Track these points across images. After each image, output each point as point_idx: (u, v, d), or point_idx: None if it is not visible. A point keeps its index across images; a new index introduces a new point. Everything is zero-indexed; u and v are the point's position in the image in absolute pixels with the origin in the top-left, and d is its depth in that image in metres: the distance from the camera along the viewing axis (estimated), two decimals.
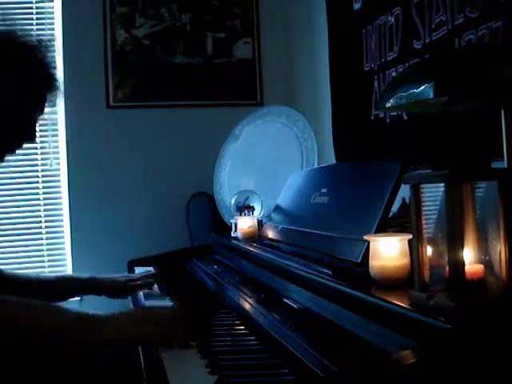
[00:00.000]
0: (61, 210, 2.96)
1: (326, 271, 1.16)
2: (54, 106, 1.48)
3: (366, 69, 2.08)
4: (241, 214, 1.97)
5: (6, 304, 1.12)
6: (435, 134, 1.52)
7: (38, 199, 2.95)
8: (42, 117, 1.45)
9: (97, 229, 2.87)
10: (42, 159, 2.94)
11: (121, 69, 2.93)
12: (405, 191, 1.06)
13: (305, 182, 1.76)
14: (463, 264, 0.80)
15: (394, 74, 1.88)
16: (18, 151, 1.43)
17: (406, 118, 1.81)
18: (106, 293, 1.70)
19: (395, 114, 1.85)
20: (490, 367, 0.73)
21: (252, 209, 1.99)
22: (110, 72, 2.91)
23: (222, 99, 3.00)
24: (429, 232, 0.89)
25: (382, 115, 1.96)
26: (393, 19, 1.88)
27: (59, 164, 2.94)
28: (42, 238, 2.95)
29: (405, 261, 1.00)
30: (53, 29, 2.91)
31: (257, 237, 1.87)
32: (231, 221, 2.04)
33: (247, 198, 2.04)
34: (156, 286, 1.73)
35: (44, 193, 2.96)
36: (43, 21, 2.91)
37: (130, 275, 1.80)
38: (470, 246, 0.83)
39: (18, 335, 1.10)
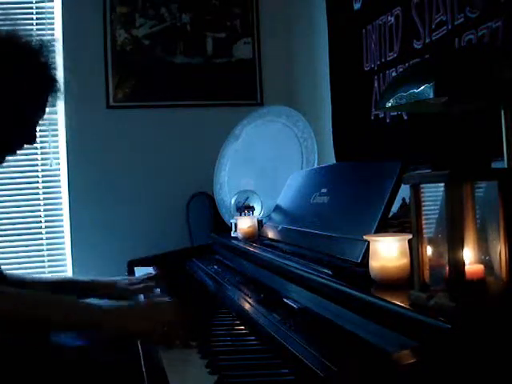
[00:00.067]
0: (61, 210, 2.96)
1: (326, 271, 1.16)
2: (53, 106, 1.48)
3: (366, 69, 2.08)
4: (241, 214, 1.97)
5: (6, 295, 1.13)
6: (435, 134, 1.52)
7: (38, 199, 2.95)
8: (42, 119, 1.45)
9: (97, 229, 2.87)
10: (42, 159, 2.94)
11: (121, 69, 2.93)
12: (405, 191, 1.06)
13: (305, 182, 1.76)
14: (463, 264, 0.80)
15: (394, 73, 1.88)
16: (18, 152, 1.43)
17: (405, 117, 1.81)
18: (107, 295, 1.70)
19: (395, 113, 1.85)
20: (490, 367, 0.73)
21: (252, 209, 1.99)
22: (110, 72, 2.91)
23: (222, 99, 3.00)
24: (429, 232, 0.89)
25: (382, 115, 1.96)
26: (393, 19, 1.88)
27: (59, 164, 2.94)
28: (41, 238, 2.95)
29: (405, 261, 1.00)
30: (53, 29, 2.91)
31: (257, 237, 1.87)
32: (231, 221, 2.04)
33: (247, 197, 2.04)
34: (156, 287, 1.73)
35: (44, 193, 2.96)
36: (43, 21, 2.91)
37: (131, 278, 1.80)
38: (470, 245, 0.83)
39: (18, 323, 1.12)
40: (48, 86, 1.41)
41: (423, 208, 0.87)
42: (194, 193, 2.88)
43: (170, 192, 2.91)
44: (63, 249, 2.95)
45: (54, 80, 1.42)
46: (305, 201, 1.63)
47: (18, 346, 1.29)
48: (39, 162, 2.94)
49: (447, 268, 0.81)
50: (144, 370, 1.06)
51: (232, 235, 2.00)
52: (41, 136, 2.84)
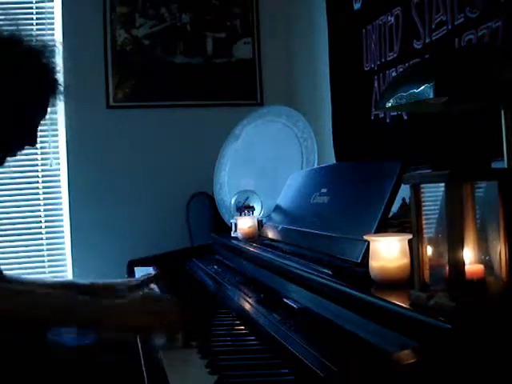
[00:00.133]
0: (61, 210, 2.96)
1: (326, 271, 1.16)
2: (53, 106, 1.49)
3: (366, 69, 2.08)
4: (241, 214, 1.97)
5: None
6: (435, 134, 1.52)
7: (38, 199, 2.95)
8: (44, 120, 1.45)
9: (97, 229, 2.87)
10: (42, 159, 2.94)
11: (121, 69, 2.93)
12: (405, 191, 1.06)
13: (305, 182, 1.76)
14: (463, 264, 0.80)
15: (394, 73, 1.88)
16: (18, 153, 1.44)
17: (405, 117, 1.81)
18: (107, 297, 1.70)
19: (395, 113, 1.85)
20: (490, 367, 0.73)
21: (252, 209, 1.99)
22: (110, 72, 2.91)
23: (222, 99, 3.00)
24: (429, 232, 0.89)
25: (382, 115, 1.96)
26: (393, 19, 1.88)
27: (59, 164, 2.95)
28: (41, 238, 2.95)
29: (405, 261, 1.00)
30: (53, 29, 2.91)
31: (257, 237, 1.87)
32: (231, 221, 2.04)
33: (247, 197, 2.04)
34: (156, 286, 1.73)
35: (44, 193, 2.96)
36: (43, 21, 2.91)
37: (131, 280, 1.80)
38: (470, 245, 0.83)
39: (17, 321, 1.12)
40: (49, 87, 1.42)
41: (423, 208, 0.87)
42: (194, 193, 2.88)
43: (170, 192, 2.91)
44: (63, 249, 2.95)
45: (55, 82, 1.43)
46: (305, 201, 1.63)
47: (17, 346, 1.29)
48: (39, 162, 2.94)
49: (447, 268, 0.81)
50: (144, 369, 1.06)
51: (232, 235, 2.00)
52: (41, 136, 2.84)
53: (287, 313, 1.16)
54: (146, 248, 2.23)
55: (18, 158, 1.46)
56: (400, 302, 0.88)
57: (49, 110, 1.46)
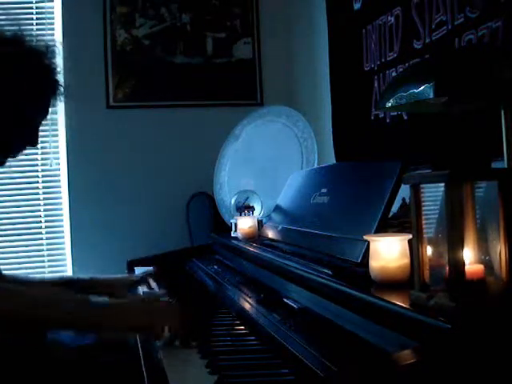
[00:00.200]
0: (61, 210, 2.96)
1: (326, 271, 1.16)
2: (53, 106, 1.49)
3: (366, 69, 2.08)
4: (241, 214, 1.97)
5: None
6: (435, 134, 1.52)
7: (38, 199, 2.95)
8: (45, 120, 1.46)
9: (97, 229, 2.87)
10: (42, 159, 2.94)
11: (121, 69, 2.93)
12: (405, 191, 1.06)
13: (305, 182, 1.76)
14: (463, 264, 0.80)
15: (394, 73, 1.88)
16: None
17: (405, 117, 1.81)
18: (107, 292, 1.70)
19: (395, 113, 1.85)
20: (490, 367, 0.73)
21: (252, 209, 1.99)
22: (110, 72, 2.91)
23: (222, 99, 3.00)
24: (429, 232, 0.89)
25: (382, 115, 1.96)
26: (393, 19, 1.88)
27: (59, 164, 2.94)
28: (41, 238, 2.95)
29: (405, 261, 1.00)
30: (53, 29, 2.91)
31: (257, 237, 1.87)
32: (231, 221, 2.04)
33: (247, 198, 2.04)
34: (155, 285, 1.73)
35: (44, 193, 2.96)
36: (43, 21, 2.91)
37: (130, 275, 1.81)
38: (470, 246, 0.83)
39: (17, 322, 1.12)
40: (50, 88, 1.42)
41: (423, 208, 0.87)
42: (194, 193, 2.88)
43: (170, 192, 2.91)
44: (63, 249, 2.95)
45: (56, 82, 1.43)
46: (305, 201, 1.63)
47: (17, 347, 1.29)
48: (39, 162, 2.94)
49: (447, 268, 0.81)
50: (144, 369, 1.06)
51: (232, 235, 2.00)
52: (41, 136, 2.83)
53: (287, 313, 1.16)
54: (146, 248, 2.22)
55: (18, 157, 1.46)
56: (400, 302, 0.88)
57: (50, 110, 1.46)
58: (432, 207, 0.93)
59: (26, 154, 2.85)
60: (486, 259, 0.85)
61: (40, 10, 2.91)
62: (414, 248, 0.87)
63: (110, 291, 1.70)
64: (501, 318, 0.77)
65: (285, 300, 1.23)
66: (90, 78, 2.85)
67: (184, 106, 2.97)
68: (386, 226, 1.18)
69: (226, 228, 2.14)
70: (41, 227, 2.94)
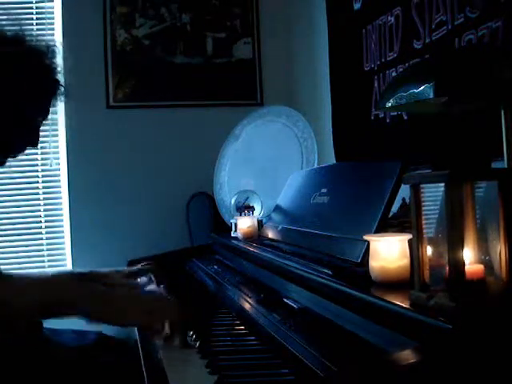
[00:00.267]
0: (61, 210, 2.96)
1: (326, 271, 1.16)
2: (53, 106, 1.49)
3: (366, 69, 2.08)
4: (241, 214, 1.97)
5: None
6: (435, 134, 1.52)
7: (38, 199, 2.95)
8: (46, 120, 1.46)
9: (97, 229, 2.87)
10: (42, 159, 2.94)
11: (121, 69, 2.93)
12: (405, 191, 1.06)
13: (305, 182, 1.76)
14: (463, 264, 0.80)
15: (394, 73, 1.88)
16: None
17: (405, 117, 1.81)
18: (106, 285, 1.70)
19: (395, 113, 1.85)
20: (490, 367, 0.73)
21: (252, 209, 1.99)
22: (110, 72, 2.91)
23: (222, 99, 3.00)
24: (429, 232, 0.89)
25: (382, 115, 1.96)
26: (393, 19, 1.88)
27: (59, 164, 2.94)
28: (41, 238, 2.95)
29: (405, 261, 1.00)
30: (53, 29, 2.91)
31: (257, 237, 1.87)
32: (231, 221, 2.04)
33: (247, 197, 2.04)
34: (154, 281, 1.73)
35: (44, 193, 2.96)
36: (43, 21, 2.91)
37: (130, 268, 1.80)
38: (470, 245, 0.83)
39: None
40: (51, 88, 1.42)
41: (423, 208, 0.87)
42: (194, 193, 2.88)
43: (170, 192, 2.91)
44: (63, 249, 2.95)
45: (57, 83, 1.43)
46: (305, 201, 1.63)
47: (17, 346, 1.29)
48: (39, 162, 2.94)
49: (447, 268, 0.81)
50: (144, 369, 1.06)
51: (232, 235, 2.00)
52: (41, 136, 2.83)
53: (287, 313, 1.16)
54: (146, 248, 2.22)
55: (18, 157, 1.46)
56: (400, 302, 0.88)
57: (50, 110, 1.46)
58: (432, 207, 0.93)
59: (26, 154, 2.83)
60: (486, 259, 0.85)
61: (40, 10, 2.91)
62: (414, 248, 0.87)
63: (109, 283, 1.69)
64: (501, 318, 0.77)
65: (285, 300, 1.23)
66: (90, 78, 2.85)
67: (184, 106, 2.97)
68: (386, 226, 1.18)
69: (225, 228, 2.14)
70: (41, 227, 2.94)
